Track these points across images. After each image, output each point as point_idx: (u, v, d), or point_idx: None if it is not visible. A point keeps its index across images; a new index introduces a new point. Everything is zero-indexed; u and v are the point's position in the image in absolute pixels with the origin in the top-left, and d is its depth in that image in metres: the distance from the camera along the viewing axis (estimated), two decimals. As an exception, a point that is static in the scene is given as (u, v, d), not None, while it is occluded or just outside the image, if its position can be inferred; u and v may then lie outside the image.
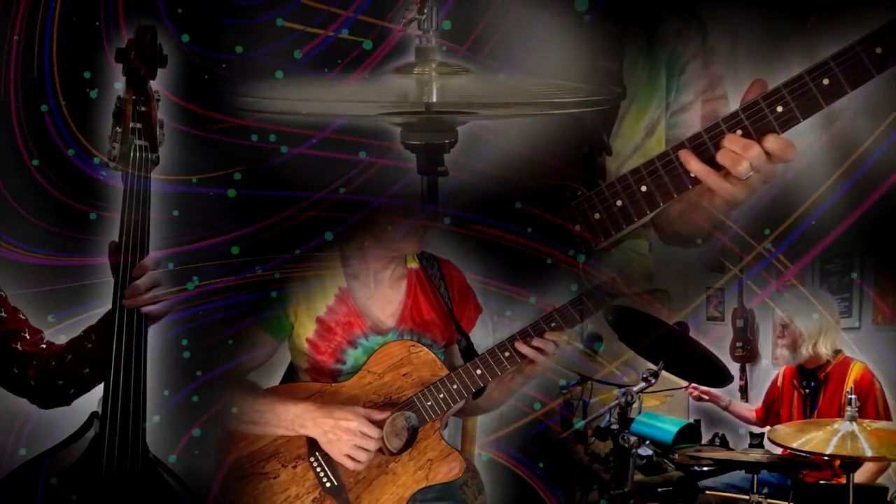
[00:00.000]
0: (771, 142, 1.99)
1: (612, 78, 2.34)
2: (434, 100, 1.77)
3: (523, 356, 2.39)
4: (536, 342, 2.37)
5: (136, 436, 1.99)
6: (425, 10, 1.82)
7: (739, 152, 1.99)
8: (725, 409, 3.65)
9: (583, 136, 2.35)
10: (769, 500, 2.87)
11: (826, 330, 3.34)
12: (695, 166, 2.05)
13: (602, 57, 2.34)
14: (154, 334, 2.12)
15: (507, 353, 2.40)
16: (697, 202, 2.18)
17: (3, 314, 2.09)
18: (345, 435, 2.35)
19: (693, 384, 3.60)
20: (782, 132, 1.99)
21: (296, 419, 2.37)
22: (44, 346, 2.14)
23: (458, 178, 2.03)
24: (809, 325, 3.34)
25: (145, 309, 2.01)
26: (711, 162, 2.04)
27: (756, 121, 1.99)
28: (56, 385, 2.12)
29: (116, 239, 2.06)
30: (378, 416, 2.39)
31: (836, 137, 2.39)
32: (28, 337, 2.12)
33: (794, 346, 3.37)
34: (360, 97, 1.93)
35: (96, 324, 2.09)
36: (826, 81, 1.94)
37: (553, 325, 2.39)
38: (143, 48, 2.06)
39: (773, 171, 2.03)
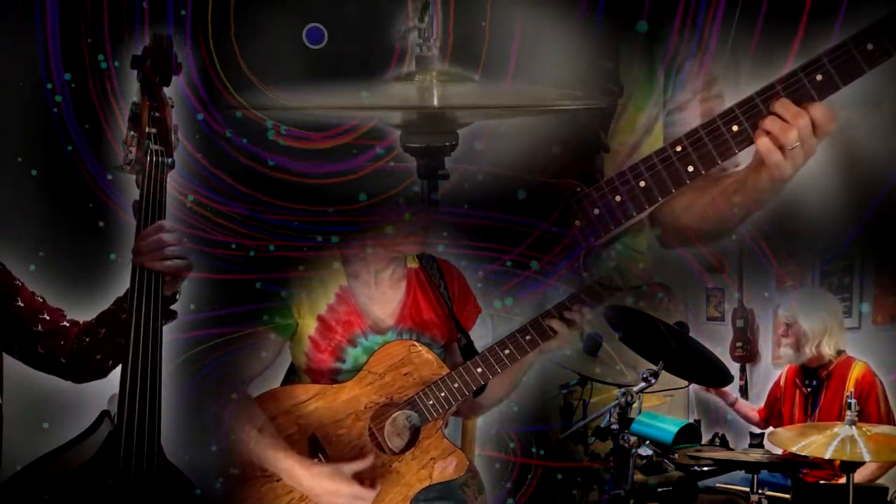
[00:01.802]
0: (817, 110, 1.96)
1: (610, 77, 2.36)
2: (435, 104, 1.78)
3: (526, 351, 2.41)
4: (567, 314, 2.39)
5: (153, 431, 2.01)
6: (426, 19, 1.83)
7: (790, 120, 1.97)
8: (732, 405, 3.63)
9: (580, 135, 2.37)
10: (770, 493, 2.87)
11: (830, 330, 3.34)
12: (762, 144, 2.00)
13: (599, 56, 2.36)
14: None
15: (506, 351, 2.42)
16: (734, 191, 2.17)
17: (19, 304, 2.13)
18: (340, 501, 2.37)
19: None
20: None
21: (284, 472, 2.40)
22: (66, 323, 2.18)
23: (458, 177, 2.04)
24: (814, 324, 3.34)
25: (150, 265, 2.03)
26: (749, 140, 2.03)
27: (750, 116, 2.02)
28: (94, 359, 2.17)
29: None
30: (359, 466, 2.39)
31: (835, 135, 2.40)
32: (48, 318, 2.16)
33: (797, 346, 3.37)
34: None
35: (126, 293, 2.12)
36: (819, 77, 1.96)
37: (576, 307, 2.41)
38: (159, 56, 2.09)
39: (815, 145, 2.01)
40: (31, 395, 2.33)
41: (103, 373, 2.19)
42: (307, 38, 1.94)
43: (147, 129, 2.09)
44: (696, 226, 2.38)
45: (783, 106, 1.98)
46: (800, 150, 1.99)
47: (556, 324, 2.40)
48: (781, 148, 1.99)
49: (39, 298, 2.17)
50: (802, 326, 3.35)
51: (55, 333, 2.15)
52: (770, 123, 1.99)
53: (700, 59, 2.39)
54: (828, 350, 3.32)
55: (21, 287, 2.15)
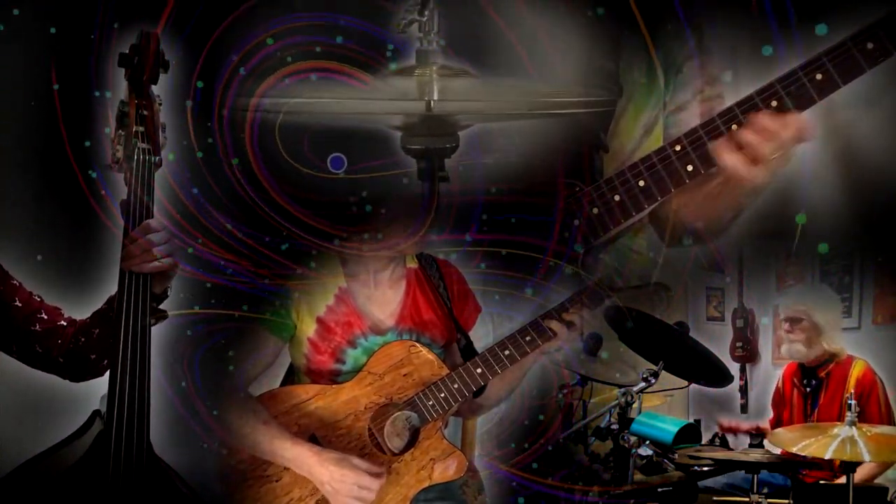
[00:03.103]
0: (790, 122, 1.99)
1: (609, 78, 2.36)
2: (435, 98, 1.78)
3: (526, 352, 2.41)
4: (566, 315, 2.41)
5: (142, 430, 2.01)
6: (426, 12, 1.82)
7: (769, 129, 1.99)
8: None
9: (580, 135, 2.37)
10: (769, 500, 2.87)
11: (837, 324, 3.33)
12: (727, 158, 2.04)
13: (599, 57, 2.36)
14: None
15: (506, 352, 2.42)
16: (717, 193, 2.19)
17: (17, 303, 2.14)
18: (343, 488, 2.37)
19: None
20: None
21: (293, 461, 2.40)
22: (63, 322, 2.19)
23: (458, 178, 2.04)
24: (827, 317, 3.32)
25: (137, 269, 2.03)
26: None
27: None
28: (89, 359, 2.17)
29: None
30: (376, 468, 2.40)
31: (834, 133, 2.40)
32: (46, 317, 2.17)
33: (810, 342, 3.33)
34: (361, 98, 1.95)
35: (118, 292, 2.12)
36: (819, 76, 1.97)
37: (575, 308, 2.41)
38: (146, 54, 2.09)
39: (792, 153, 2.03)
40: (27, 396, 2.34)
41: (99, 372, 2.19)
42: (330, 166, 1.99)
43: (134, 128, 2.08)
44: (693, 224, 2.39)
45: (759, 118, 2.01)
46: (778, 159, 2.02)
47: (555, 325, 2.41)
48: (755, 160, 2.01)
49: (37, 298, 2.18)
50: (818, 321, 3.32)
51: (52, 333, 2.16)
52: (748, 136, 2.02)
53: (700, 60, 2.40)
54: (836, 345, 3.30)
55: (19, 287, 2.15)
